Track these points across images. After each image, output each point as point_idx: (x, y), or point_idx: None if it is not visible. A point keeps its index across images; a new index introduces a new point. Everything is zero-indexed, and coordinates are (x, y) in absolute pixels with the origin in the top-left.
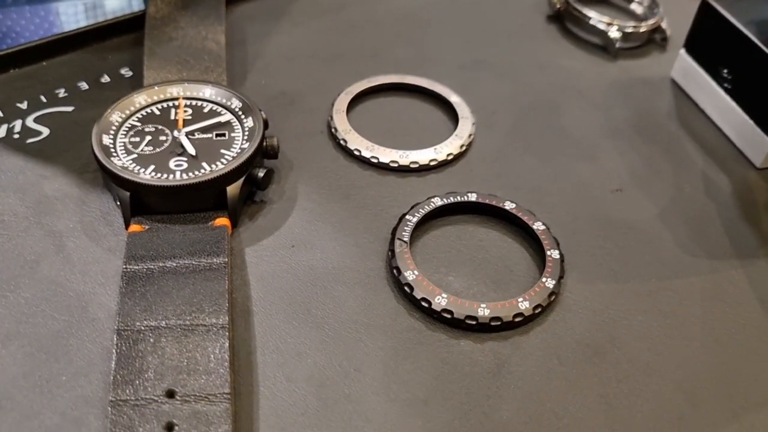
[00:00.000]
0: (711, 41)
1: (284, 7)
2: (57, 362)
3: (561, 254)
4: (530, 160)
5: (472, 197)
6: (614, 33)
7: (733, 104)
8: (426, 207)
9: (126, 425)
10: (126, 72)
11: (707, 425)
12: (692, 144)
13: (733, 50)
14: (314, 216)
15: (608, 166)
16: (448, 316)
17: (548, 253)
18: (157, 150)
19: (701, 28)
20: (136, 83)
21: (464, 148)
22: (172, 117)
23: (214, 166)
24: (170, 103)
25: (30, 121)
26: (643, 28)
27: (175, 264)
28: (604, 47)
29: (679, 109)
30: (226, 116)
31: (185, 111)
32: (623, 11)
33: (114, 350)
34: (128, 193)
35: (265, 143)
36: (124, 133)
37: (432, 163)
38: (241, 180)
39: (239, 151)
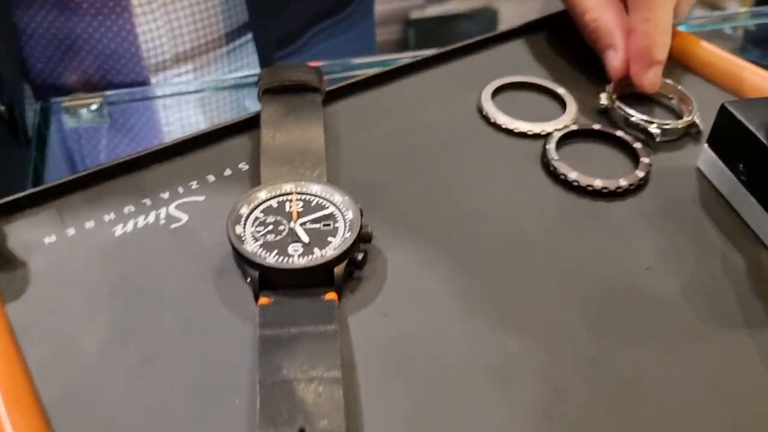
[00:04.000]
0: (729, 139)
1: (367, 106)
2: (206, 409)
3: None
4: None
5: None
6: (654, 129)
7: (749, 194)
8: None
9: None
10: (243, 166)
11: None
12: (713, 227)
13: (748, 149)
14: (402, 289)
15: (640, 246)
16: None
17: None
18: (278, 238)
19: (721, 128)
20: (253, 175)
21: None
22: (287, 209)
23: (324, 251)
24: (285, 198)
25: (172, 209)
26: (680, 124)
27: (298, 330)
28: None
29: (703, 195)
30: (331, 209)
31: (297, 204)
32: (663, 107)
33: (258, 398)
34: (257, 273)
35: (361, 231)
36: (253, 222)
37: None
38: (345, 262)
39: (342, 239)
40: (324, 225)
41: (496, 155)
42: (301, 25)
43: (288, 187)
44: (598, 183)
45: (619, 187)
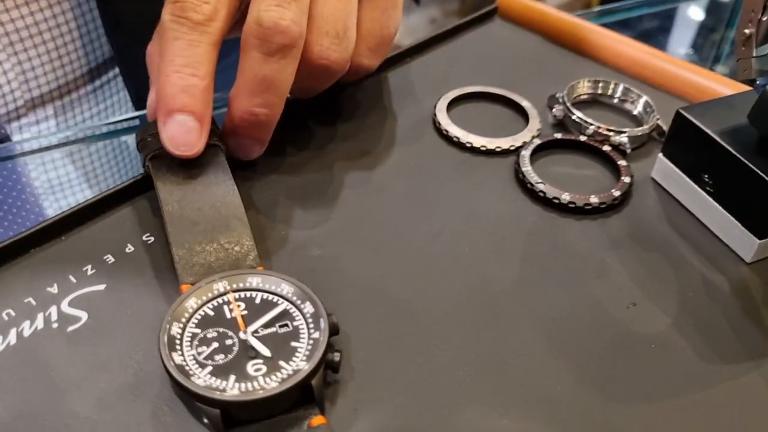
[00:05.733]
0: (688, 148)
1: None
2: None
3: None
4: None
5: None
6: (622, 138)
7: (716, 205)
8: None
9: None
10: (148, 239)
11: None
12: (685, 245)
13: (710, 157)
14: (390, 389)
15: (617, 281)
16: None
17: None
18: (230, 357)
19: (677, 136)
20: (160, 249)
21: None
22: (228, 315)
23: (293, 363)
24: (220, 300)
25: (65, 306)
26: (647, 130)
27: None
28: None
29: (666, 210)
30: (283, 304)
31: (239, 306)
32: (619, 112)
33: None
34: (218, 411)
35: (330, 324)
36: (189, 343)
37: None
38: (322, 370)
39: (311, 342)
40: (280, 327)
41: (460, 173)
42: None
43: (220, 285)
44: (566, 197)
45: (588, 204)
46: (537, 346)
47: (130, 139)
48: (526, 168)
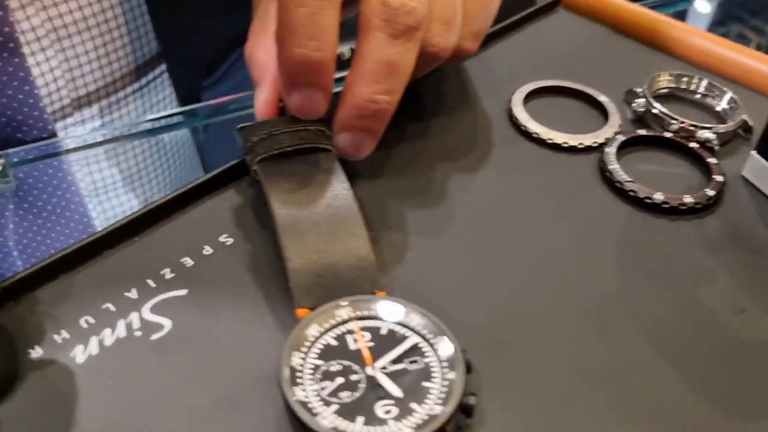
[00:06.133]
0: None
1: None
2: None
3: None
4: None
5: None
6: (709, 135)
7: None
8: None
9: None
10: (226, 239)
11: None
12: None
13: None
14: (502, 403)
15: (722, 286)
16: None
17: None
18: (356, 395)
19: None
20: (241, 251)
21: None
22: (352, 347)
23: (425, 406)
24: (343, 328)
25: (146, 313)
26: (733, 126)
27: None
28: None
29: (762, 210)
30: (411, 337)
31: (363, 337)
32: (700, 107)
33: None
34: None
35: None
36: (311, 376)
37: None
38: (457, 415)
39: (446, 381)
40: (410, 363)
41: (544, 171)
42: (220, 50)
43: (343, 313)
44: (658, 197)
45: (683, 204)
46: (645, 355)
47: (175, 136)
48: (613, 166)
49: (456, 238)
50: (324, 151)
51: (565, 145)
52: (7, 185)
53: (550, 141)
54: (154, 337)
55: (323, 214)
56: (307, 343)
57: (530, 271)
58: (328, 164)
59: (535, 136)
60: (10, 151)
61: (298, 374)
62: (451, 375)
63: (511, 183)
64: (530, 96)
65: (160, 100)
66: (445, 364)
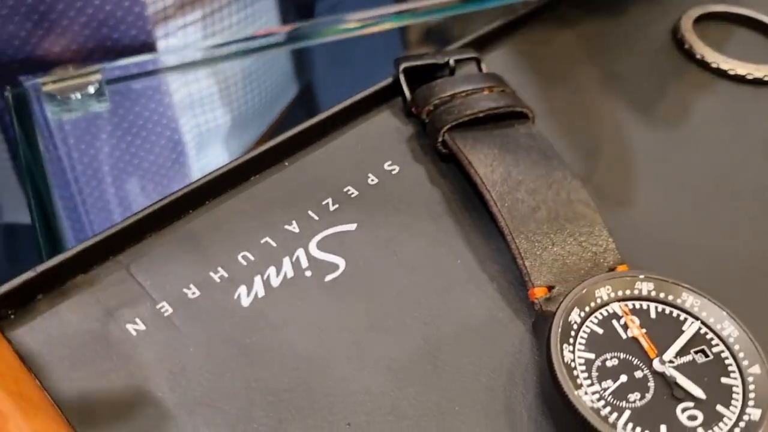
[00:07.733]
0: None
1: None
2: None
3: None
4: None
5: None
6: None
7: None
8: None
9: None
10: (391, 167)
11: None
12: None
13: None
14: None
15: None
16: None
17: None
18: (647, 396)
19: None
20: (409, 181)
21: None
22: (623, 335)
23: (733, 408)
24: (604, 312)
25: (314, 249)
26: None
27: None
28: None
29: None
30: (690, 322)
31: (633, 321)
32: None
33: None
34: None
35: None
36: (586, 374)
37: None
38: None
39: (751, 377)
40: (696, 353)
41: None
42: None
43: (603, 293)
44: None
45: None
46: None
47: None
48: None
49: (671, 191)
50: (520, 116)
51: (749, 77)
52: (104, 105)
53: (732, 72)
54: (329, 277)
55: (542, 184)
56: (572, 333)
57: (741, 215)
58: (530, 130)
59: (713, 65)
60: (107, 65)
61: (573, 372)
62: (754, 368)
63: (693, 118)
64: (699, 21)
65: (258, 9)
66: (741, 354)
